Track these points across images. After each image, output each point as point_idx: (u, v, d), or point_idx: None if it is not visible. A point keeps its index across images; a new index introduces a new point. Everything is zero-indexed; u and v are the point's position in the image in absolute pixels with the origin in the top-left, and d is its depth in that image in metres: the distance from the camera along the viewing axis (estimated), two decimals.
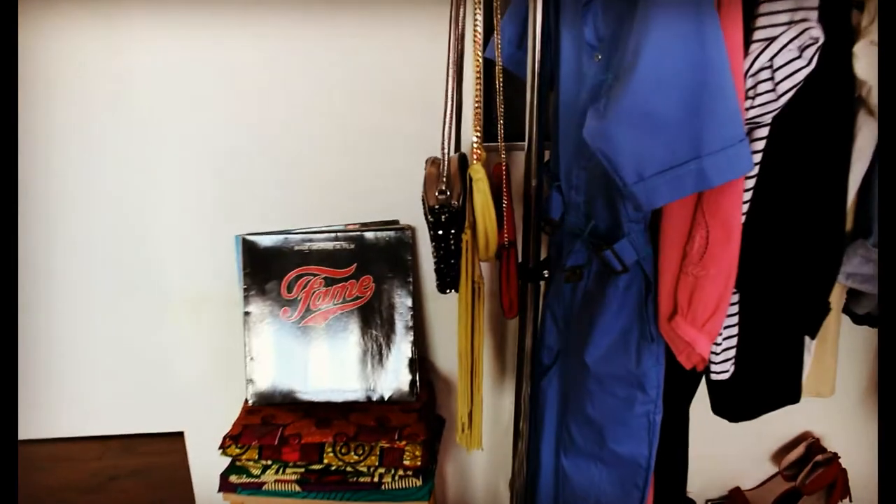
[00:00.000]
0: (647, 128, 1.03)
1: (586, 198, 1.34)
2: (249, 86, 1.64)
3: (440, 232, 1.22)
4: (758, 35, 1.09)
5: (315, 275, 1.70)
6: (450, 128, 1.22)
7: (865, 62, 1.11)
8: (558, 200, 1.44)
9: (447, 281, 1.29)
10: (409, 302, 1.70)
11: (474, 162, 1.23)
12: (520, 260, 1.43)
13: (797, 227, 1.20)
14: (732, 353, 1.29)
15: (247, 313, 1.71)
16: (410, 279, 1.69)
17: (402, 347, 1.70)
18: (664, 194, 1.05)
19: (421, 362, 1.86)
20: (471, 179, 1.23)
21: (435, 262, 1.28)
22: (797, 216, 1.20)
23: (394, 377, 1.69)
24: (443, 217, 1.21)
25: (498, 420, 2.01)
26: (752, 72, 1.09)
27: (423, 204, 1.24)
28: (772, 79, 1.09)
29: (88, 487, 2.64)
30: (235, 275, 1.75)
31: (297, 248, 1.70)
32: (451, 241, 1.23)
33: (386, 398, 1.69)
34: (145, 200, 1.73)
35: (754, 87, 1.10)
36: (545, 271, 1.41)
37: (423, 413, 1.66)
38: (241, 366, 1.73)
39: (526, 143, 1.35)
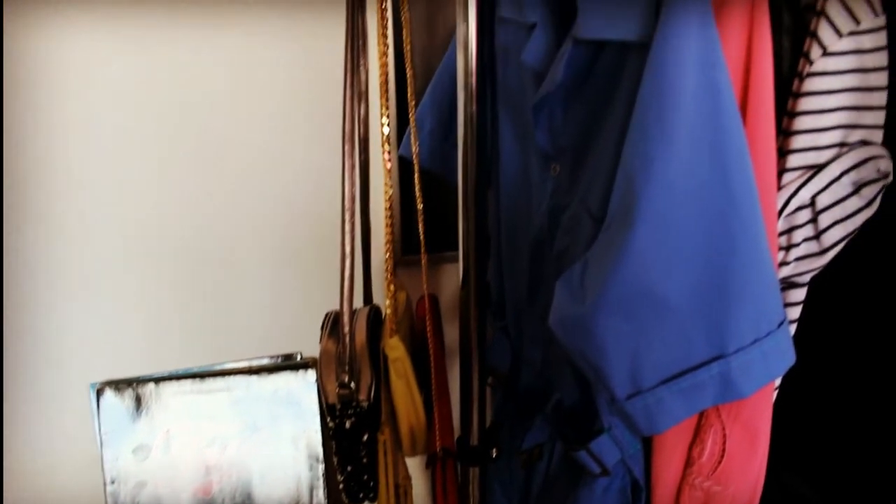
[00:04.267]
0: (649, 316, 0.68)
1: (546, 356, 0.98)
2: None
3: (345, 443, 0.84)
4: (795, 161, 0.75)
5: (188, 436, 1.29)
6: (350, 276, 0.84)
7: None
8: (505, 347, 1.08)
9: (360, 497, 0.91)
10: (320, 485, 1.28)
11: (389, 334, 0.86)
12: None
13: (841, 414, 0.87)
14: None
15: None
16: (320, 447, 1.28)
17: None
18: (673, 411, 0.70)
19: None
20: (386, 359, 0.85)
21: (340, 478, 0.90)
22: (841, 400, 0.86)
23: None
24: (347, 423, 0.83)
25: None
26: (787, 211, 0.76)
27: (319, 396, 0.86)
28: (814, 222, 0.75)
29: None
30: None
31: (161, 400, 1.29)
32: (363, 453, 0.86)
33: None
34: None
35: (789, 233, 0.76)
36: (493, 450, 1.04)
37: None
38: None
39: (461, 273, 0.99)
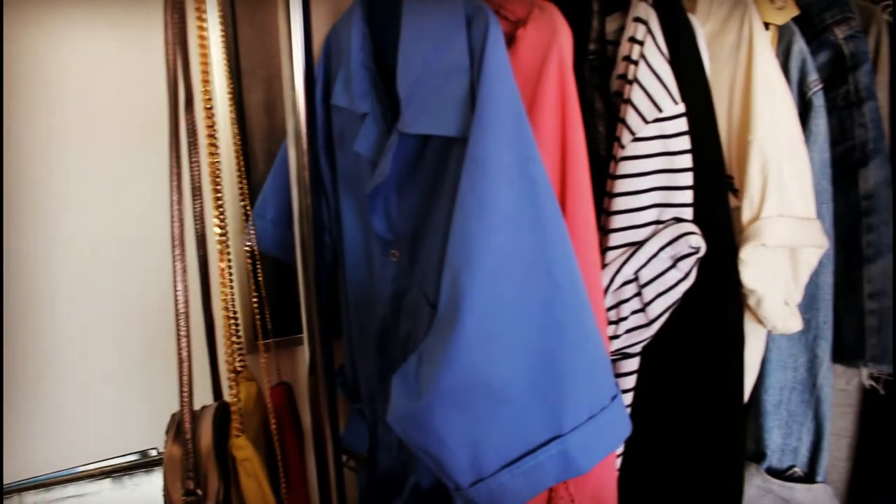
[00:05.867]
0: (484, 405, 0.69)
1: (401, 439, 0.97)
2: None
3: None
4: (616, 239, 0.79)
5: None
6: (189, 380, 0.80)
7: (754, 269, 0.84)
8: (362, 429, 1.06)
9: None
10: None
11: (235, 433, 0.83)
12: None
13: (683, 470, 0.90)
14: None
15: None
16: None
17: None
18: (518, 494, 0.71)
19: None
20: (234, 461, 0.82)
21: None
22: (681, 457, 0.90)
23: None
24: None
25: None
26: (613, 287, 0.79)
27: None
28: (640, 296, 0.79)
29: None
30: None
31: None
32: None
33: None
34: None
35: (617, 307, 0.80)
36: None
37: None
38: None
39: (307, 362, 0.97)
